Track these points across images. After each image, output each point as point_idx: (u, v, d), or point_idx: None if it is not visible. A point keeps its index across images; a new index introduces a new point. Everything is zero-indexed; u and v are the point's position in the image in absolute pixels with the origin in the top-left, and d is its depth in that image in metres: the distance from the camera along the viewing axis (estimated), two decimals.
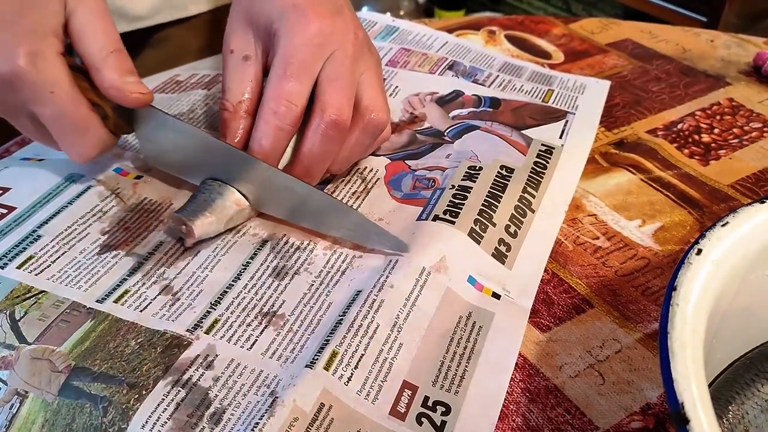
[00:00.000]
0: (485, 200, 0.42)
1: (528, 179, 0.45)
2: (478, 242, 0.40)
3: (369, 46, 0.44)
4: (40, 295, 0.36)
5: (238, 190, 0.41)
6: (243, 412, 0.31)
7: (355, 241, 0.40)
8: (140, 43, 0.64)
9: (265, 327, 0.35)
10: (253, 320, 0.36)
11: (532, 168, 0.46)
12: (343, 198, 0.44)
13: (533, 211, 0.43)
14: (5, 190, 0.43)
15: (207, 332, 0.35)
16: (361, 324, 0.34)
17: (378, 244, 0.39)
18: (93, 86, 0.39)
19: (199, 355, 0.33)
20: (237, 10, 0.44)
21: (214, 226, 0.39)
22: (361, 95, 0.42)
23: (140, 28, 0.62)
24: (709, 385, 0.27)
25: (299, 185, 0.39)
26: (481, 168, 0.45)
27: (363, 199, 0.44)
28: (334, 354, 0.32)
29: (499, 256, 0.40)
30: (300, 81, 0.39)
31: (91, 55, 0.38)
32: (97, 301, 0.36)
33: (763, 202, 0.29)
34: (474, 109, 0.53)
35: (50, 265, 0.38)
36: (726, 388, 0.30)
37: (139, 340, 0.34)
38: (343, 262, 0.39)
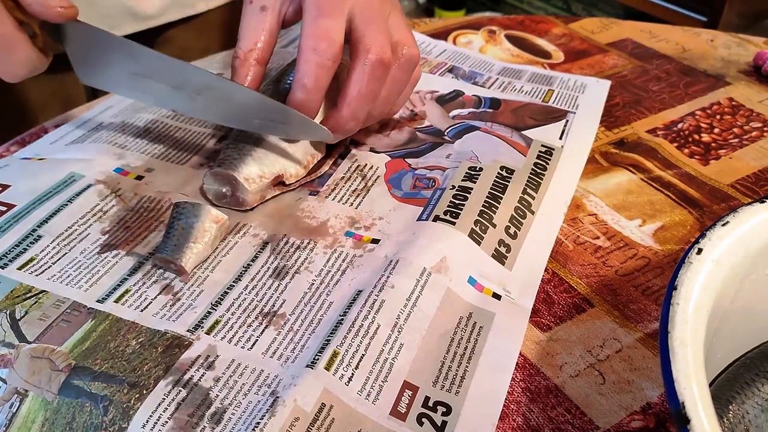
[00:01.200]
0: (485, 201, 0.42)
1: (528, 180, 0.45)
2: (479, 243, 0.40)
3: None
4: (40, 295, 0.36)
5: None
6: (244, 412, 0.31)
7: (276, 134, 0.42)
8: (145, 45, 0.64)
9: (266, 327, 0.35)
10: (254, 321, 0.36)
11: (532, 169, 0.46)
12: (343, 196, 0.44)
13: (533, 213, 0.43)
14: (5, 187, 0.43)
15: (208, 332, 0.35)
16: (362, 324, 0.34)
17: (301, 134, 0.42)
18: (19, 5, 0.38)
19: (200, 355, 0.34)
20: None
21: (202, 252, 0.38)
22: (391, 33, 0.42)
23: (145, 30, 0.63)
24: (710, 385, 0.27)
25: (215, 79, 0.40)
26: (481, 169, 0.45)
27: (363, 197, 0.44)
28: (335, 354, 0.32)
29: (499, 257, 0.40)
30: (335, 18, 0.40)
31: None
32: (98, 301, 0.36)
33: (763, 202, 0.29)
34: (474, 110, 0.53)
35: (51, 265, 0.38)
36: (726, 388, 0.30)
37: (139, 340, 0.34)
38: (343, 261, 0.39)
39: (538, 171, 0.46)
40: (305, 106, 0.40)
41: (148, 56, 0.41)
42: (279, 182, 0.43)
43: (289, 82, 0.42)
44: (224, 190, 0.41)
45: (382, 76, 0.41)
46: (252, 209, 0.42)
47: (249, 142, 0.42)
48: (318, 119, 0.42)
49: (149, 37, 0.64)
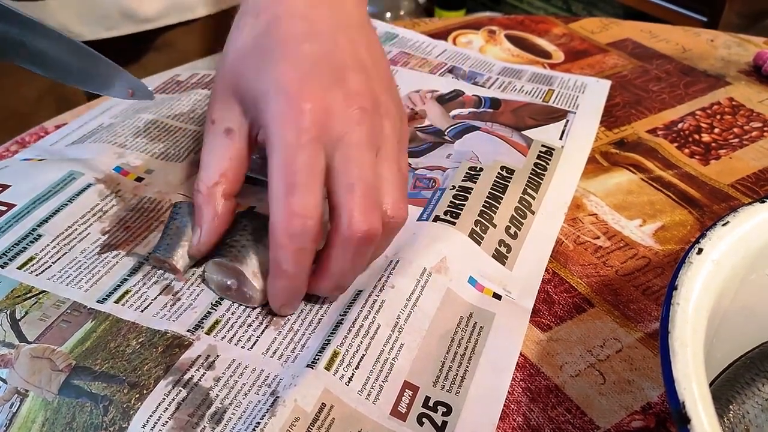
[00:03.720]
0: (486, 201, 0.42)
1: (528, 180, 0.45)
2: (479, 243, 0.40)
3: (383, 103, 0.36)
4: (40, 295, 0.36)
5: None
6: (244, 412, 0.31)
7: (104, 91, 0.39)
8: (144, 48, 0.64)
9: (266, 327, 0.35)
10: (254, 320, 0.36)
11: (533, 169, 0.46)
12: None
13: (533, 213, 0.43)
14: (5, 187, 0.43)
15: (208, 332, 0.35)
16: (362, 324, 0.34)
17: (119, 92, 0.38)
18: None
19: (200, 355, 0.33)
20: (222, 79, 0.37)
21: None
22: (380, 191, 0.35)
23: (144, 32, 0.63)
24: (710, 385, 0.27)
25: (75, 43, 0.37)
26: (481, 169, 0.45)
27: None
28: (335, 354, 0.32)
29: (500, 257, 0.40)
30: (309, 190, 0.32)
31: None
32: (98, 301, 0.36)
33: (763, 202, 0.29)
34: (474, 110, 0.53)
35: (51, 265, 0.38)
36: (727, 388, 0.30)
37: (140, 340, 0.34)
38: None
39: (539, 171, 0.46)
40: (290, 293, 0.34)
41: (33, 26, 0.37)
42: None
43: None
44: (229, 282, 0.36)
45: (369, 249, 0.34)
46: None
47: (259, 229, 0.36)
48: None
49: (149, 40, 0.64)
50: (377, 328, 0.34)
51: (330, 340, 0.33)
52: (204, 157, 0.36)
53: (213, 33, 0.68)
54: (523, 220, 0.42)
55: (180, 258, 0.37)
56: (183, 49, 0.66)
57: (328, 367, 0.32)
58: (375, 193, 0.34)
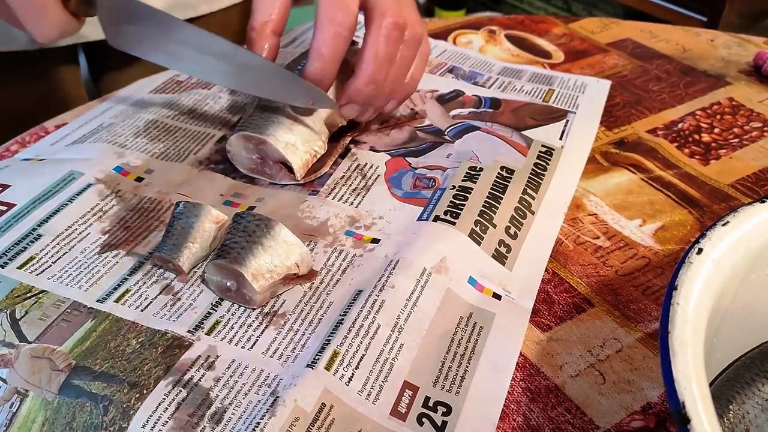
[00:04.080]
0: (486, 201, 0.42)
1: (528, 181, 0.45)
2: (479, 243, 0.40)
3: None
4: (40, 295, 0.36)
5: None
6: (244, 412, 0.31)
7: (284, 101, 0.43)
8: None
9: (266, 327, 0.35)
10: (254, 320, 0.36)
11: (532, 169, 0.46)
12: (343, 195, 0.44)
13: (533, 213, 0.43)
14: (5, 187, 0.43)
15: (208, 333, 0.35)
16: (362, 324, 0.34)
17: (309, 101, 0.42)
18: None
19: (200, 356, 0.34)
20: None
21: (200, 252, 0.38)
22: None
23: None
24: (710, 385, 0.27)
25: (234, 48, 0.41)
26: (481, 169, 0.45)
27: (363, 196, 0.44)
28: (335, 354, 0.32)
29: (499, 257, 0.40)
30: None
31: None
32: (98, 300, 0.36)
33: (763, 202, 0.29)
34: (474, 110, 0.53)
35: (51, 265, 0.38)
36: (726, 388, 0.30)
37: (140, 340, 0.34)
38: (343, 260, 0.39)
39: (539, 171, 0.46)
40: (321, 74, 0.41)
41: (174, 25, 0.42)
42: (287, 166, 0.43)
43: (300, 67, 0.43)
44: (228, 284, 0.36)
45: (398, 39, 0.42)
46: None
47: (258, 230, 0.37)
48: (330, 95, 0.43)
49: None
50: (377, 328, 0.34)
51: (330, 340, 0.33)
52: (255, 4, 0.43)
53: (214, 30, 0.68)
54: (522, 220, 0.42)
55: (186, 259, 0.37)
56: None
57: (328, 367, 0.32)
58: (400, 8, 0.42)
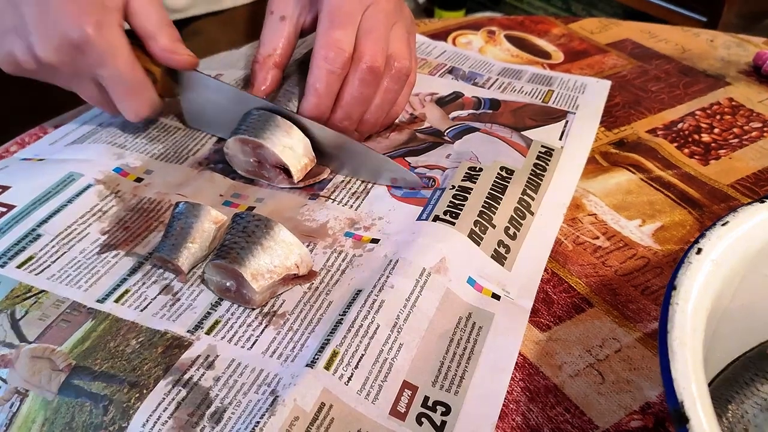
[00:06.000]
0: (485, 202, 0.42)
1: (528, 181, 0.45)
2: (478, 243, 0.40)
3: (401, 4, 0.49)
4: (40, 295, 0.36)
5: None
6: (244, 411, 0.31)
7: (370, 179, 0.46)
8: None
9: (266, 326, 0.35)
10: (253, 320, 0.36)
11: (532, 170, 0.46)
12: (342, 199, 0.44)
13: (532, 213, 0.43)
14: (5, 188, 0.43)
15: (208, 333, 0.35)
16: (362, 324, 0.34)
17: (388, 179, 0.45)
18: (145, 55, 0.45)
19: (199, 355, 0.34)
20: None
21: (199, 252, 0.38)
22: (389, 45, 0.46)
23: (173, 21, 0.63)
24: (709, 384, 0.27)
25: (308, 123, 0.44)
26: (481, 169, 0.45)
27: (363, 200, 0.44)
28: (334, 354, 0.33)
29: (499, 258, 0.40)
30: (346, 30, 0.44)
31: (147, 27, 0.44)
32: (98, 300, 0.36)
33: (762, 202, 0.29)
34: (474, 111, 0.53)
35: (50, 264, 0.38)
36: (725, 387, 0.30)
37: (139, 340, 0.34)
38: (343, 261, 0.39)
39: (538, 172, 0.46)
40: (318, 109, 0.44)
41: (255, 103, 0.45)
42: (284, 169, 0.44)
43: (299, 66, 0.45)
44: (228, 284, 0.36)
45: (372, 82, 0.45)
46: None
47: (258, 231, 0.37)
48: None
49: (178, 28, 0.64)
50: (376, 328, 0.34)
51: (329, 339, 0.33)
52: (262, 38, 0.48)
53: (241, 24, 0.69)
54: (522, 221, 0.42)
55: (185, 259, 0.38)
56: (209, 37, 0.68)
57: (327, 367, 0.32)
58: (385, 42, 0.45)
